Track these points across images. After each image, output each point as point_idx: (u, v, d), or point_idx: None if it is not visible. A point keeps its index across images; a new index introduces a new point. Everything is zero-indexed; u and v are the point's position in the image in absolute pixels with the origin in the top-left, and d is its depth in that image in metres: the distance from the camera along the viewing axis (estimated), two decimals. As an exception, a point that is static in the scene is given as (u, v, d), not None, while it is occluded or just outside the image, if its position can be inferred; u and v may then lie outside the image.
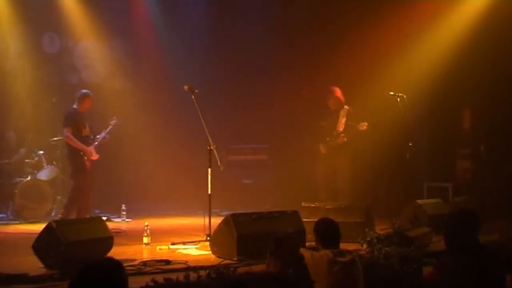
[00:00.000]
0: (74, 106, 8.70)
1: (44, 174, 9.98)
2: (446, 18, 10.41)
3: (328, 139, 9.01)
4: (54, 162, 10.13)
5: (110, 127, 8.98)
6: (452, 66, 10.07)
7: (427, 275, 4.89)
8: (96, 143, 8.79)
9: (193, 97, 7.66)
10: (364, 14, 10.55)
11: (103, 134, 8.91)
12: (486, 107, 10.59)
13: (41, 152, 10.01)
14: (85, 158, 8.59)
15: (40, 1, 10.89)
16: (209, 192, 7.33)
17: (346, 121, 8.98)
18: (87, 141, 8.69)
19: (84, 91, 8.86)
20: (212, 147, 7.44)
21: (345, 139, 8.93)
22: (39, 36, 11.26)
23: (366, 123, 8.76)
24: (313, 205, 7.63)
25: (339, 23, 10.78)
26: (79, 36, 11.54)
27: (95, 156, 8.71)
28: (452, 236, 4.28)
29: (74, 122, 8.60)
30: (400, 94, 8.49)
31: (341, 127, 9.00)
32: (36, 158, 9.99)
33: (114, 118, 9.12)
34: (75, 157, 8.62)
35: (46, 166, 10.02)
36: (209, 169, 7.40)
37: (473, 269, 4.02)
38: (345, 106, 9.05)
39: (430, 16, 10.34)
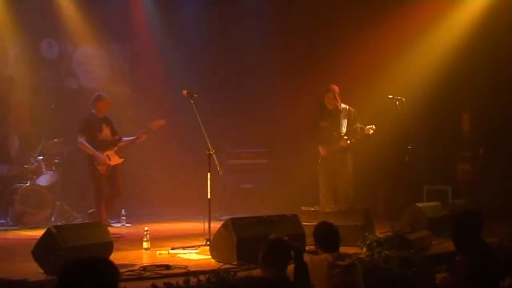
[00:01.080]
0: (92, 111, 8.51)
1: (43, 180, 9.97)
2: (445, 20, 10.42)
3: (330, 142, 8.58)
4: (54, 168, 10.12)
5: (147, 129, 8.48)
6: (451, 68, 10.06)
7: (440, 279, 4.91)
8: (116, 147, 8.48)
9: (192, 101, 7.63)
10: (364, 15, 10.55)
11: (137, 135, 8.52)
12: (486, 109, 10.58)
13: (40, 157, 9.98)
14: (98, 163, 8.30)
15: (39, 6, 10.88)
16: (209, 196, 7.31)
17: (351, 122, 8.59)
18: (105, 145, 8.41)
19: (96, 94, 8.66)
20: (211, 152, 7.42)
21: (348, 142, 8.51)
22: (37, 42, 11.27)
23: (373, 127, 8.38)
24: (312, 209, 7.60)
25: (339, 25, 10.79)
26: (77, 41, 11.55)
27: (114, 161, 8.41)
28: (460, 238, 4.33)
29: (87, 127, 8.36)
30: (399, 98, 8.41)
31: (343, 129, 8.59)
32: (35, 164, 9.97)
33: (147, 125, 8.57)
34: (88, 162, 8.41)
35: (45, 172, 10.01)
36: (209, 174, 7.38)
37: (484, 267, 4.08)
38: (347, 107, 8.64)
39: (430, 17, 10.34)
